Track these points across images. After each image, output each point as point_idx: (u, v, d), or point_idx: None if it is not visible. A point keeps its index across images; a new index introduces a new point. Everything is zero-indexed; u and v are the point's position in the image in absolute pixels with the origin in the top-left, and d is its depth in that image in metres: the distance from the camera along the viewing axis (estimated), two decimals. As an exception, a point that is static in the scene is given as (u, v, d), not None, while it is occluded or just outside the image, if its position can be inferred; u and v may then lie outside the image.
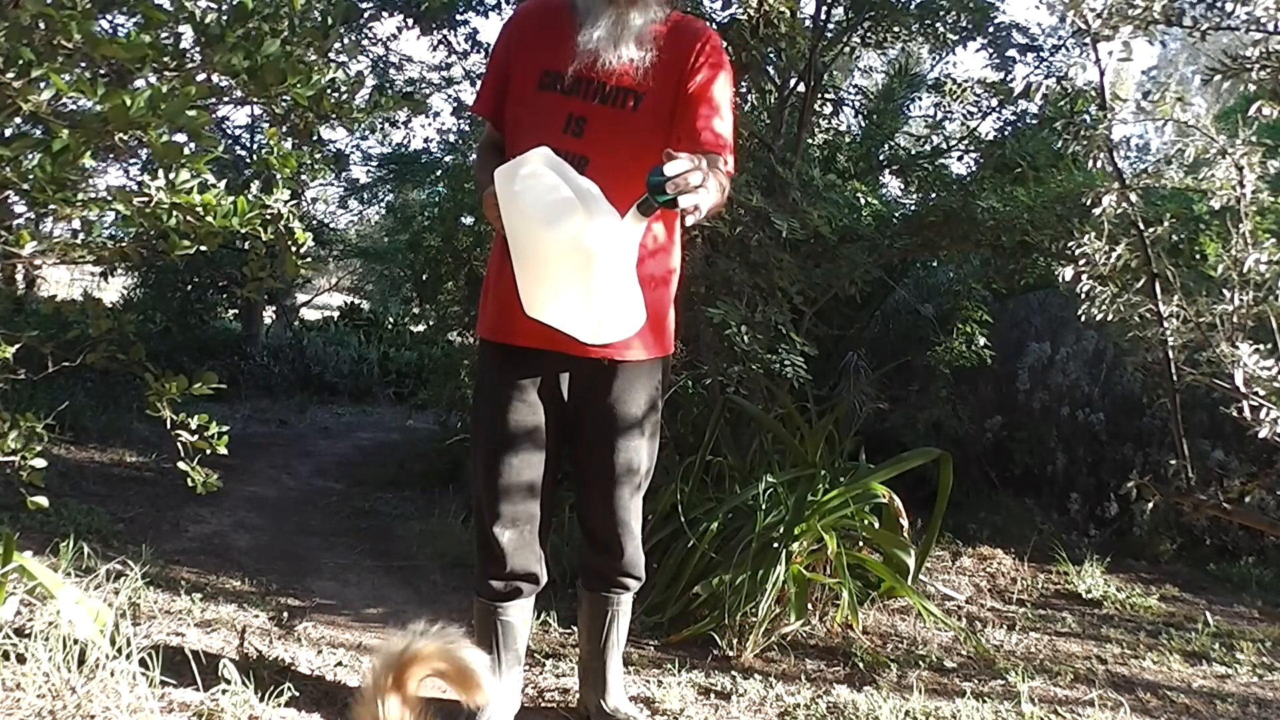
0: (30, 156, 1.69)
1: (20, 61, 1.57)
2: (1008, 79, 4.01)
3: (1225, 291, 2.00)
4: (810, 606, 3.02)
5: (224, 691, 2.20)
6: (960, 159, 4.51)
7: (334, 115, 2.03)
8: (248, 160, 7.22)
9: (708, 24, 2.03)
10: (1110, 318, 2.08)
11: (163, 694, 2.11)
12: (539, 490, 2.03)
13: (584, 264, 1.61)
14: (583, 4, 1.90)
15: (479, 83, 2.10)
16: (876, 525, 3.26)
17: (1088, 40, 2.05)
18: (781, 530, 2.92)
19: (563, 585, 2.98)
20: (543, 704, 2.42)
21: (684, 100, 1.90)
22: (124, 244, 2.00)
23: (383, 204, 8.73)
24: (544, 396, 2.00)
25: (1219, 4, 1.91)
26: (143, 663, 2.25)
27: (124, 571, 2.54)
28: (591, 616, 2.21)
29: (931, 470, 3.56)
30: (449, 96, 6.45)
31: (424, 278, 5.45)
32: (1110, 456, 4.51)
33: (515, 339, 1.96)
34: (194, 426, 2.19)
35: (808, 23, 3.62)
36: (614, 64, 1.86)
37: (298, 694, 2.32)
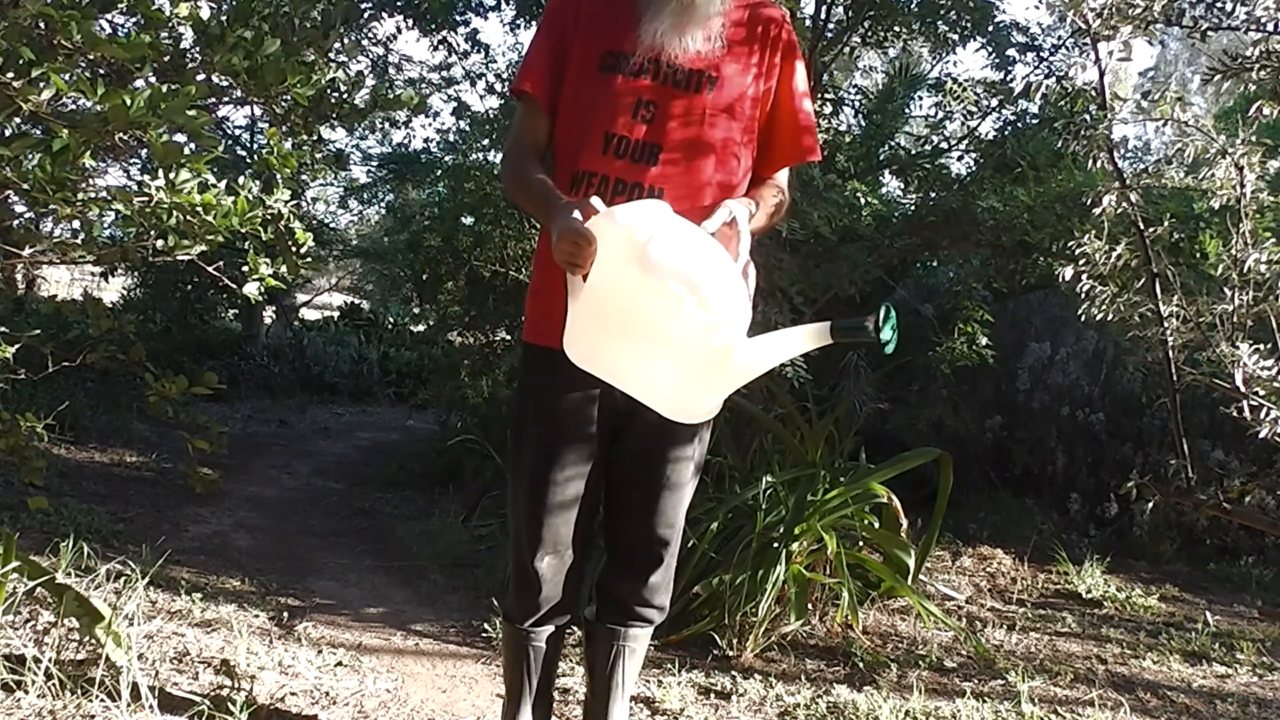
0: (30, 156, 1.69)
1: (20, 61, 1.57)
2: (1008, 79, 4.02)
3: (1225, 291, 1.99)
4: (810, 606, 3.02)
5: (224, 691, 2.20)
6: (960, 159, 4.51)
7: (334, 115, 2.03)
8: (248, 160, 7.22)
9: (776, 5, 1.85)
10: (1110, 317, 2.07)
11: (162, 694, 2.11)
12: (585, 512, 1.80)
13: (717, 358, 1.42)
14: None
15: (526, 57, 1.81)
16: (876, 525, 3.26)
17: (1087, 40, 2.05)
18: (781, 530, 2.92)
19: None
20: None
21: (773, 99, 1.78)
22: (124, 243, 2.00)
23: (383, 204, 8.72)
24: (601, 408, 1.75)
25: (1219, 4, 1.91)
26: (142, 662, 2.25)
27: (124, 571, 2.54)
28: (597, 652, 1.90)
29: (931, 470, 3.56)
30: (449, 96, 6.46)
31: (424, 278, 5.44)
32: (1110, 456, 4.51)
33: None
34: (194, 426, 2.19)
35: (808, 23, 3.62)
36: (679, 56, 1.70)
37: (297, 694, 2.32)
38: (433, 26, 4.76)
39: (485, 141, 4.90)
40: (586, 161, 1.70)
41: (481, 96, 5.43)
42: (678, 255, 1.40)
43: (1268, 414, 1.88)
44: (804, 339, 1.44)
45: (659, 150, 1.68)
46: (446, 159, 5.40)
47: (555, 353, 1.61)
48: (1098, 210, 2.06)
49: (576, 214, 1.48)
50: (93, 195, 1.86)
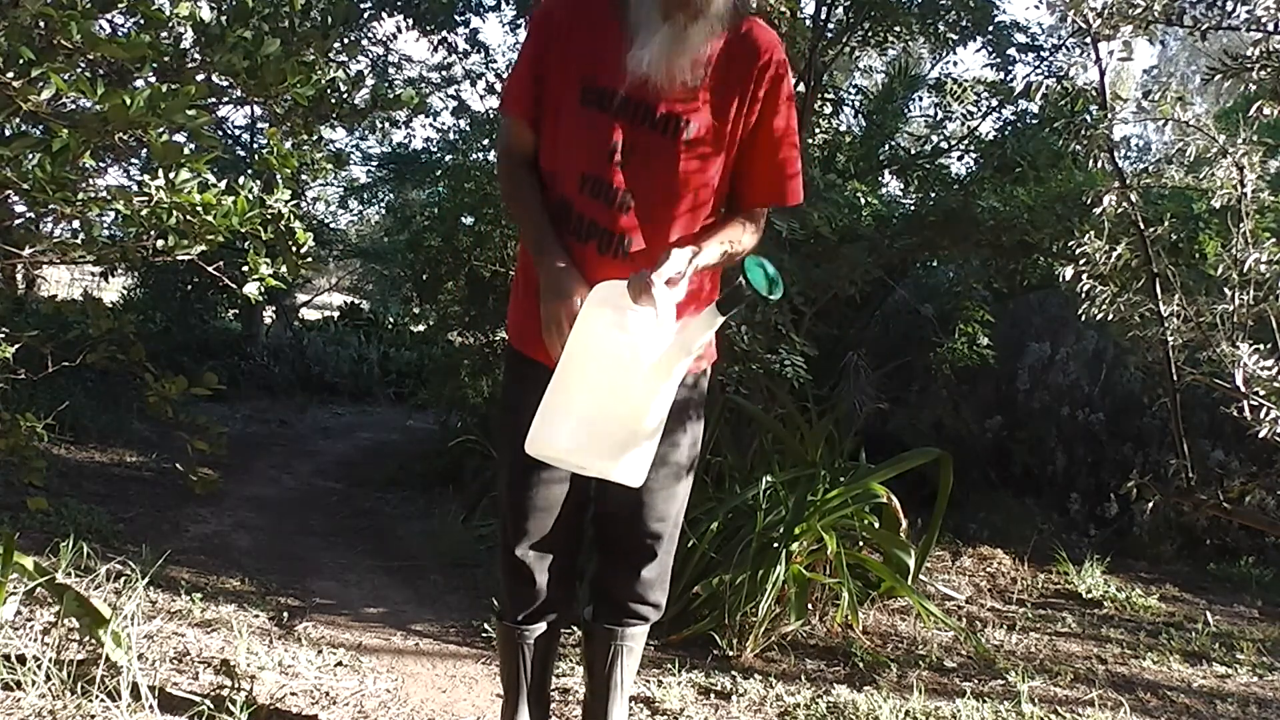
0: (30, 156, 1.69)
1: (20, 61, 1.57)
2: (1008, 79, 4.02)
3: (1225, 291, 1.99)
4: (810, 606, 3.02)
5: (224, 691, 2.21)
6: (960, 159, 4.51)
7: (334, 115, 2.03)
8: (248, 160, 7.22)
9: (772, 31, 1.73)
10: (1110, 317, 2.08)
11: (162, 694, 2.11)
12: (572, 508, 1.82)
13: (660, 405, 1.53)
14: (634, 9, 1.62)
15: (510, 79, 1.79)
16: (876, 525, 3.26)
17: (1088, 40, 2.05)
18: (781, 530, 2.92)
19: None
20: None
21: (749, 137, 1.70)
22: (124, 243, 2.00)
23: (383, 204, 8.73)
24: None
25: (1219, 4, 1.91)
26: (142, 661, 2.25)
27: (124, 571, 2.54)
28: (595, 652, 1.90)
29: (931, 470, 3.56)
30: (449, 96, 6.46)
31: (424, 278, 5.45)
32: (1110, 456, 4.51)
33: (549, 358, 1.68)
34: (194, 427, 2.19)
35: (808, 23, 3.62)
36: (666, 88, 1.62)
37: (297, 694, 2.32)
38: (432, 26, 4.76)
39: (485, 141, 4.91)
40: (567, 190, 1.69)
41: (481, 96, 5.45)
42: (653, 330, 1.49)
43: (1268, 414, 1.88)
44: (701, 328, 1.49)
45: (631, 196, 1.66)
46: (446, 159, 5.41)
47: (530, 359, 1.69)
48: (1098, 210, 2.07)
49: (563, 300, 1.55)
50: (93, 195, 1.86)
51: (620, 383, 1.51)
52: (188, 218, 1.87)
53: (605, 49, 1.64)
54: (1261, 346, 1.92)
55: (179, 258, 1.95)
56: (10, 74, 1.57)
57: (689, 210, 1.70)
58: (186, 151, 1.81)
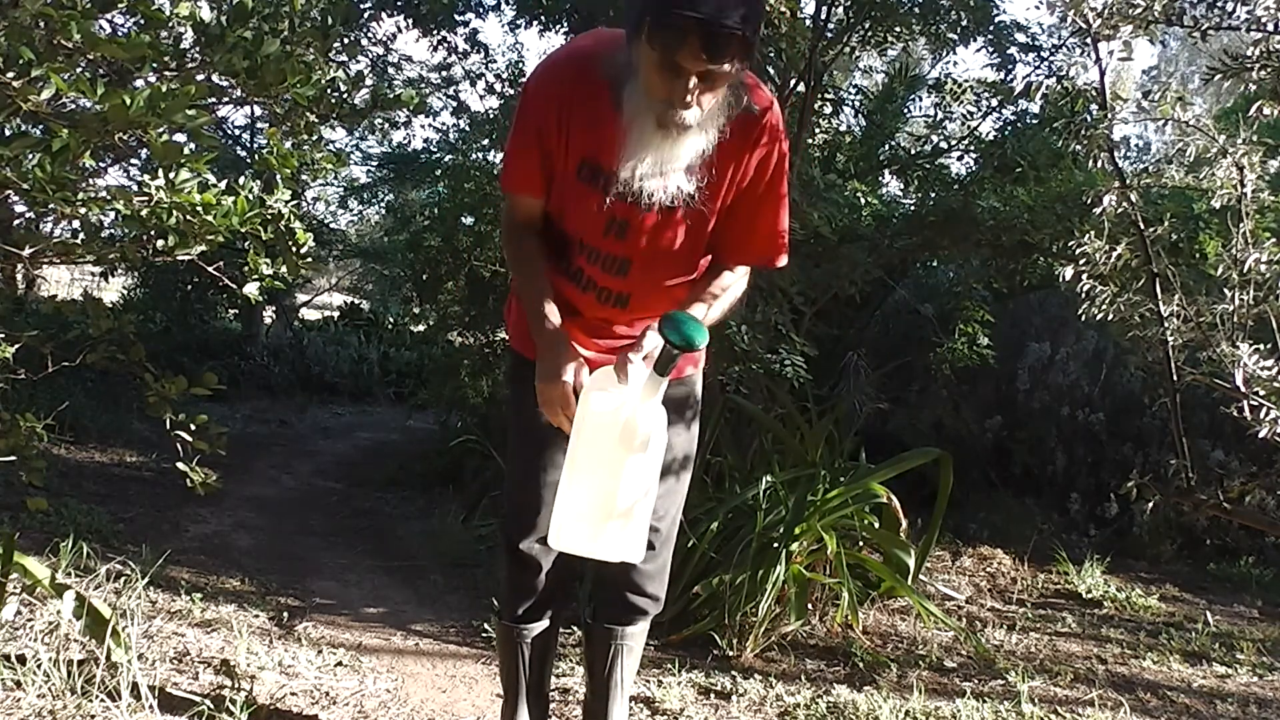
0: (30, 156, 1.69)
1: (20, 61, 1.57)
2: (1008, 79, 4.01)
3: (1225, 291, 1.99)
4: (810, 606, 3.02)
5: (224, 691, 2.20)
6: (960, 159, 4.52)
7: (334, 115, 2.03)
8: (248, 160, 7.22)
9: (767, 94, 1.68)
10: (1110, 317, 2.07)
11: (162, 694, 2.11)
12: None
13: (646, 474, 1.61)
14: (628, 108, 1.55)
15: (510, 157, 1.75)
16: (876, 525, 3.26)
17: (1088, 40, 2.05)
18: (781, 530, 2.92)
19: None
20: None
21: (739, 197, 1.69)
22: (124, 243, 2.00)
23: (383, 204, 8.73)
24: None
25: (1219, 4, 1.90)
26: (142, 661, 2.25)
27: (124, 571, 2.54)
28: (596, 650, 1.92)
29: (931, 470, 3.56)
30: (449, 96, 6.47)
31: (424, 278, 5.45)
32: (1110, 456, 4.51)
33: None
34: (194, 427, 2.19)
35: (808, 23, 3.62)
36: (659, 197, 1.60)
37: (297, 694, 2.32)
38: (432, 27, 4.76)
39: (485, 141, 4.90)
40: (570, 249, 1.73)
41: (481, 96, 5.45)
42: (647, 411, 1.58)
43: (1268, 414, 1.88)
44: (651, 391, 1.56)
45: (630, 263, 1.70)
46: (446, 159, 5.41)
47: (531, 361, 1.71)
48: (1098, 210, 2.06)
49: (560, 376, 1.56)
50: (93, 195, 1.86)
51: (621, 465, 1.59)
52: (188, 218, 1.87)
53: (605, 134, 1.61)
54: (1261, 346, 1.92)
55: (179, 258, 1.95)
56: (10, 74, 1.57)
57: (685, 269, 1.75)
58: (186, 151, 1.81)
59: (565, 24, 4.42)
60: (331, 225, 10.44)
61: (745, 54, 1.45)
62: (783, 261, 1.78)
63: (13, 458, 2.08)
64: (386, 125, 7.51)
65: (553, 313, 1.67)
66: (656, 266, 1.72)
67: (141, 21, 1.82)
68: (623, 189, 1.61)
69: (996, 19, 3.91)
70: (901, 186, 4.88)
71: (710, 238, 1.74)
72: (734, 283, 1.77)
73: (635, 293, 1.73)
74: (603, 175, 1.64)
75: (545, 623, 1.92)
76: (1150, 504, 3.50)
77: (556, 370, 1.59)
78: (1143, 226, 2.08)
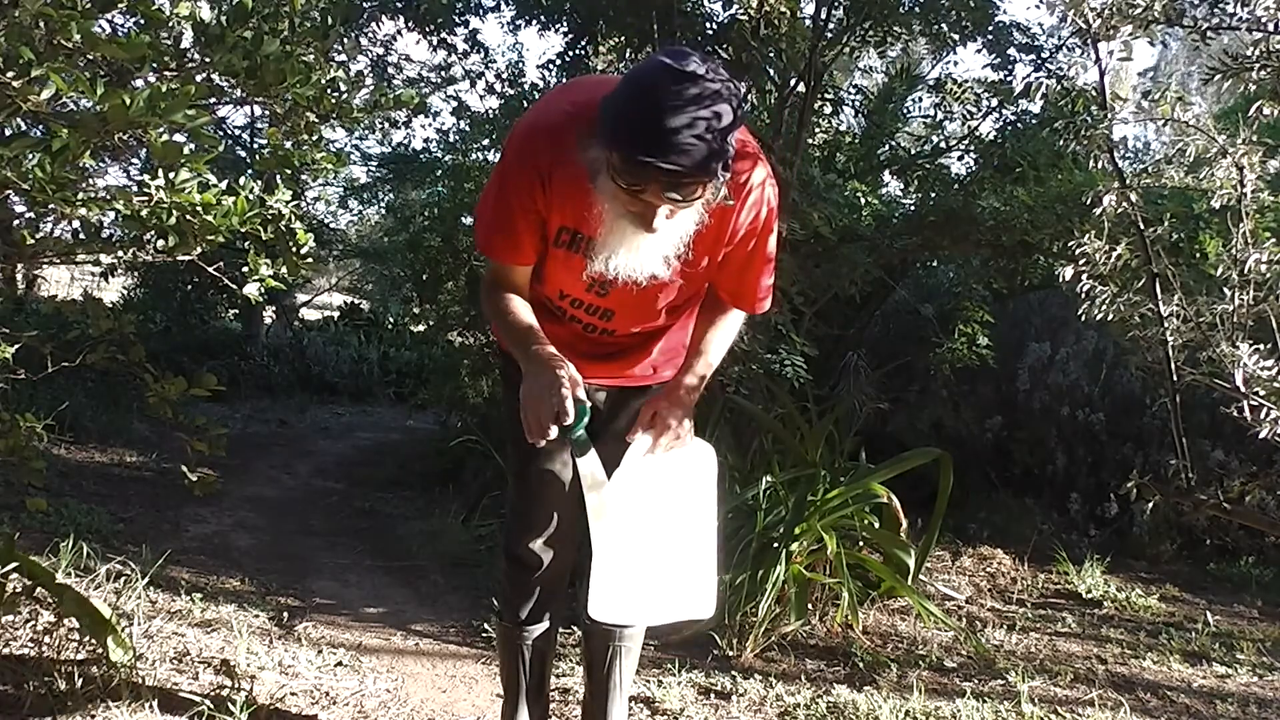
0: (30, 156, 1.69)
1: (20, 61, 1.57)
2: (1008, 79, 4.02)
3: (1225, 291, 1.99)
4: (810, 606, 3.02)
5: (224, 691, 2.20)
6: (960, 159, 4.52)
7: (334, 115, 2.03)
8: (248, 160, 7.22)
9: (758, 153, 1.65)
10: (1110, 317, 2.07)
11: (162, 694, 2.11)
12: (574, 507, 1.79)
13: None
14: (602, 197, 1.51)
15: (495, 228, 1.71)
16: (876, 525, 3.26)
17: (1088, 40, 2.05)
18: (781, 530, 2.92)
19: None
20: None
21: (727, 256, 1.69)
22: (123, 244, 2.00)
23: (383, 204, 8.74)
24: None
25: (1219, 4, 1.90)
26: (142, 662, 2.25)
27: (124, 571, 2.54)
28: (594, 652, 1.95)
29: (931, 470, 3.56)
30: (449, 96, 6.48)
31: (424, 278, 5.45)
32: (1110, 456, 4.51)
33: None
34: (193, 427, 2.19)
35: (808, 23, 3.62)
36: (636, 277, 1.59)
37: (297, 694, 2.32)
38: (432, 27, 4.76)
39: (485, 141, 4.90)
40: (551, 296, 1.77)
41: (481, 96, 5.45)
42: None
43: (1268, 414, 1.88)
44: (600, 509, 1.62)
45: (613, 313, 1.74)
46: (446, 159, 5.41)
47: None
48: (1098, 210, 2.06)
49: (550, 378, 1.52)
50: (93, 195, 1.86)
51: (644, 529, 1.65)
52: (188, 218, 1.87)
53: (583, 203, 1.58)
54: (1261, 346, 1.91)
55: (179, 258, 1.95)
56: (10, 74, 1.57)
57: (669, 318, 1.79)
58: (186, 151, 1.81)
59: (565, 24, 4.42)
60: (331, 225, 10.46)
61: (718, 183, 1.43)
62: (759, 311, 1.83)
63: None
64: (386, 125, 7.52)
65: (541, 335, 1.65)
66: (641, 315, 1.76)
67: (141, 21, 1.82)
68: (599, 274, 1.61)
69: (996, 19, 3.91)
70: (901, 186, 4.88)
71: (697, 285, 1.76)
72: (727, 326, 1.79)
73: (622, 329, 1.79)
74: (583, 240, 1.63)
75: (545, 624, 1.94)
76: (1150, 504, 3.49)
77: (552, 371, 1.56)
78: (1143, 226, 2.08)
